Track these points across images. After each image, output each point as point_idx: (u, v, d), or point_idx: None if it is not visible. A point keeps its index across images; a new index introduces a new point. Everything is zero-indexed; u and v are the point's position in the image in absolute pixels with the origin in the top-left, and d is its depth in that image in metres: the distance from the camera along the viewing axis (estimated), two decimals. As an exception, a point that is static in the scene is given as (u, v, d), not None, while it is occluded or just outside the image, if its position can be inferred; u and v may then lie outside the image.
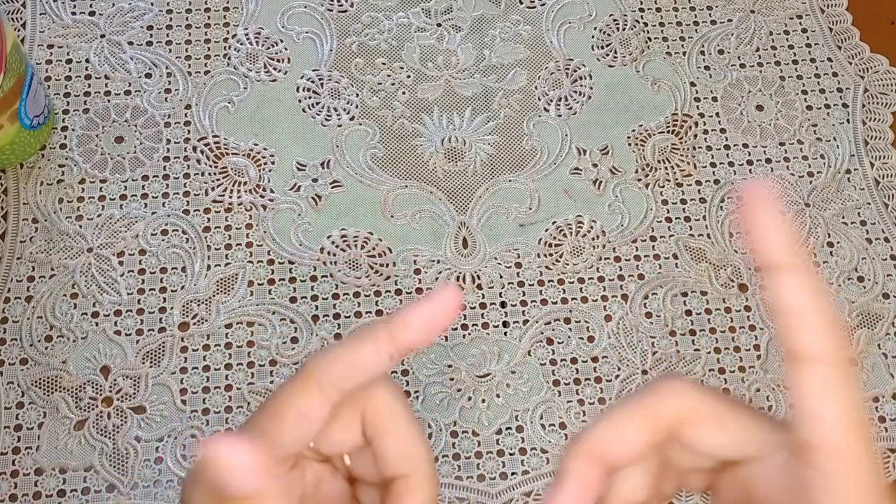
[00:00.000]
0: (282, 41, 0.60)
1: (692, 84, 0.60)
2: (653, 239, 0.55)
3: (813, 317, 0.25)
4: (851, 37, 0.62)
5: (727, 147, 0.58)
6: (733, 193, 0.25)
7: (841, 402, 0.25)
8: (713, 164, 0.58)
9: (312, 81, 0.59)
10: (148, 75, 0.58)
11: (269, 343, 0.51)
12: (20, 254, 0.52)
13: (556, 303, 0.53)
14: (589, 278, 0.54)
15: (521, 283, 0.53)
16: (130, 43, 0.59)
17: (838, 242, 0.56)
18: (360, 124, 0.57)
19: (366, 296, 0.52)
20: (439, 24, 0.61)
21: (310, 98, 0.58)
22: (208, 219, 0.54)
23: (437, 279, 0.53)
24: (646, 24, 0.62)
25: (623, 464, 0.28)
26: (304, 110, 0.58)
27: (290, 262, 0.53)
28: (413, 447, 0.29)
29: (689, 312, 0.53)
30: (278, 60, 0.59)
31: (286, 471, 0.28)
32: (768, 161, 0.58)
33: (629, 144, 0.58)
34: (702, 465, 0.29)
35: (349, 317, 0.52)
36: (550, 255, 0.54)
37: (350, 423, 0.29)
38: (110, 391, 0.49)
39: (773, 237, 0.26)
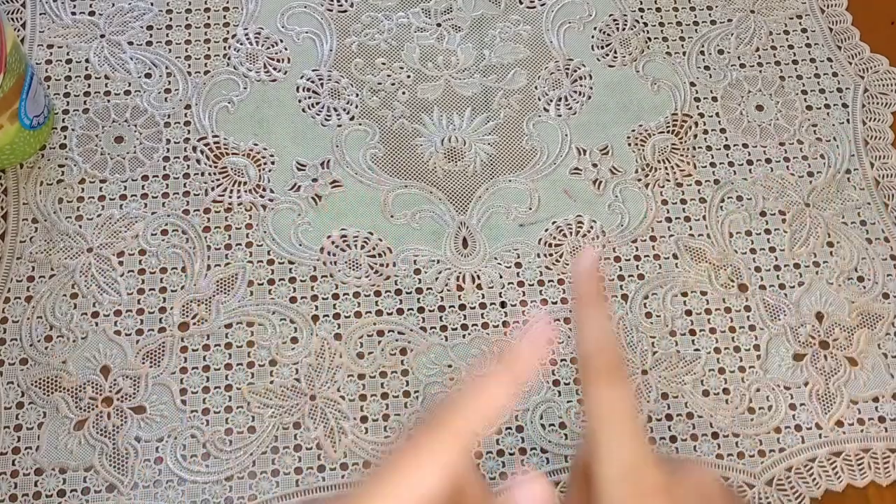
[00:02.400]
0: (282, 41, 0.60)
1: (692, 84, 0.60)
2: (653, 239, 0.55)
3: (584, 344, 0.30)
4: (851, 37, 0.62)
5: (727, 147, 0.58)
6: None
7: (593, 398, 0.30)
8: (713, 164, 0.58)
9: (312, 81, 0.59)
10: (148, 75, 0.58)
11: (269, 343, 0.51)
12: (20, 254, 0.52)
13: (556, 303, 0.53)
14: (589, 278, 0.54)
15: (521, 283, 0.53)
16: (130, 43, 0.59)
17: (838, 242, 0.56)
18: (360, 124, 0.57)
19: (366, 296, 0.52)
20: (439, 24, 0.61)
21: (310, 98, 0.58)
22: (208, 219, 0.54)
23: (436, 279, 0.53)
24: (646, 24, 0.62)
25: None
26: (304, 110, 0.58)
27: (290, 262, 0.53)
28: None
29: (689, 312, 0.53)
30: (278, 60, 0.59)
31: None
32: (768, 161, 0.58)
33: (629, 144, 0.58)
34: None
35: (349, 317, 0.52)
36: (550, 255, 0.54)
37: None
38: (110, 391, 0.49)
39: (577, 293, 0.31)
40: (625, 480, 0.29)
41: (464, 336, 0.52)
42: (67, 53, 0.58)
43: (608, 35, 0.62)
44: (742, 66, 0.61)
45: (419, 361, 0.51)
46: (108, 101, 0.57)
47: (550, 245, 0.55)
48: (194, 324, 0.51)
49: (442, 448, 0.27)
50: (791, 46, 0.62)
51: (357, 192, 0.55)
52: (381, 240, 0.54)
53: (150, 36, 0.59)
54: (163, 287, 0.52)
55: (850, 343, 0.53)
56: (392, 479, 0.26)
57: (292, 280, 0.52)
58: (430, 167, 0.56)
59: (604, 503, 0.29)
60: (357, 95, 0.58)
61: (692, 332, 0.53)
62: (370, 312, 0.52)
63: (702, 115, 0.59)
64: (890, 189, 0.58)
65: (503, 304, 0.53)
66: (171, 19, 0.60)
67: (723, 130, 0.59)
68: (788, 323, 0.53)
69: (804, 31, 0.63)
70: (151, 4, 0.60)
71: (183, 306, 0.51)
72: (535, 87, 0.59)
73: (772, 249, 0.55)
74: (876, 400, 0.51)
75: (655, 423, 0.50)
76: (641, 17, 0.62)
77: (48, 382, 0.49)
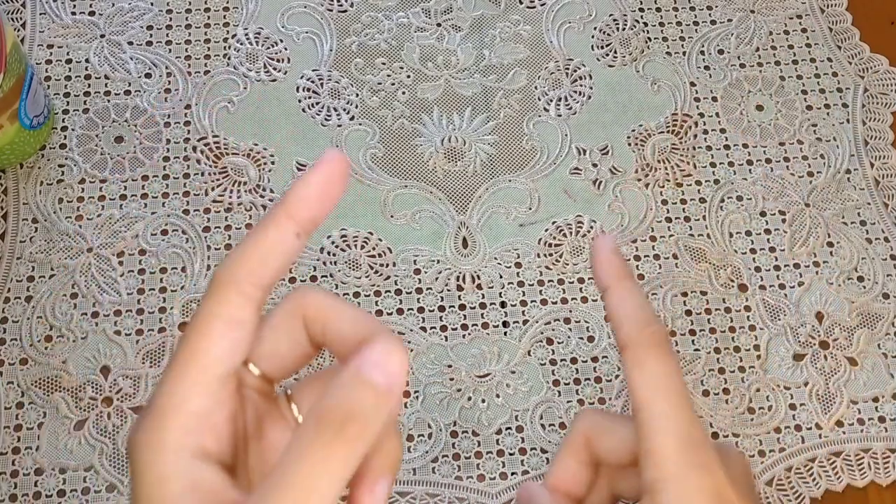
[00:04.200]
0: (282, 41, 0.60)
1: (692, 84, 0.60)
2: (653, 239, 0.55)
3: (622, 318, 0.30)
4: (851, 37, 0.62)
5: (727, 147, 0.58)
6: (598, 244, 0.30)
7: (643, 373, 0.30)
8: (713, 164, 0.58)
9: (312, 81, 0.59)
10: (148, 75, 0.58)
11: (269, 343, 0.51)
12: (20, 254, 0.52)
13: (555, 303, 0.53)
14: (589, 278, 0.54)
15: (521, 283, 0.53)
16: (130, 43, 0.59)
17: (838, 242, 0.56)
18: (360, 124, 0.57)
19: (366, 296, 0.52)
20: (439, 24, 0.61)
21: (310, 98, 0.58)
22: (208, 219, 0.54)
23: (436, 279, 0.53)
24: (646, 24, 0.62)
25: (576, 490, 0.33)
26: (304, 110, 0.58)
27: (290, 262, 0.53)
28: (367, 317, 0.27)
29: (689, 312, 0.53)
30: (278, 60, 0.59)
31: (229, 395, 0.26)
32: (768, 161, 0.58)
33: (629, 144, 0.58)
34: (632, 490, 0.33)
35: (349, 317, 0.52)
36: (550, 255, 0.54)
37: (293, 331, 0.27)
38: (110, 391, 0.49)
39: (606, 269, 0.31)
40: (686, 453, 0.28)
41: (464, 336, 0.52)
42: (67, 53, 0.58)
43: (608, 35, 0.62)
44: (742, 66, 0.61)
45: (419, 361, 0.51)
46: (108, 101, 0.57)
47: (550, 245, 0.55)
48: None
49: (214, 302, 0.25)
50: (791, 46, 0.62)
51: (357, 192, 0.55)
52: (381, 240, 0.54)
53: (150, 36, 0.59)
54: (163, 287, 0.52)
55: (850, 343, 0.53)
56: (180, 348, 0.25)
57: (292, 280, 0.52)
58: (430, 167, 0.56)
59: (661, 476, 0.29)
60: (357, 95, 0.58)
61: (692, 332, 0.53)
62: (370, 312, 0.52)
63: (702, 115, 0.59)
64: (890, 189, 0.58)
65: (503, 304, 0.53)
66: (171, 19, 0.60)
67: (723, 130, 0.59)
68: (788, 323, 0.53)
69: (804, 31, 0.63)
70: (151, 4, 0.60)
71: (183, 306, 0.51)
72: (535, 87, 0.59)
73: (772, 249, 0.55)
74: (876, 400, 0.51)
75: (655, 423, 0.50)
76: (641, 17, 0.62)
77: (48, 382, 0.49)
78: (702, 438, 0.29)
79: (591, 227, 0.55)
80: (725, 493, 0.29)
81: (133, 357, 0.50)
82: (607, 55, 0.61)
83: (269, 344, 0.27)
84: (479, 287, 0.53)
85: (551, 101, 0.59)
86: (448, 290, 0.53)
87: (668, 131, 0.58)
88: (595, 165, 0.57)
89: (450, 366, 0.51)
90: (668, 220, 0.56)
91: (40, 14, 0.59)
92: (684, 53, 0.61)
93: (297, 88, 0.58)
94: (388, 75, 0.59)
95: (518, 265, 0.54)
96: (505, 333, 0.52)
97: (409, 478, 0.48)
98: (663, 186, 0.57)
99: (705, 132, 0.59)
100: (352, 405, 0.23)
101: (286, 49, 0.59)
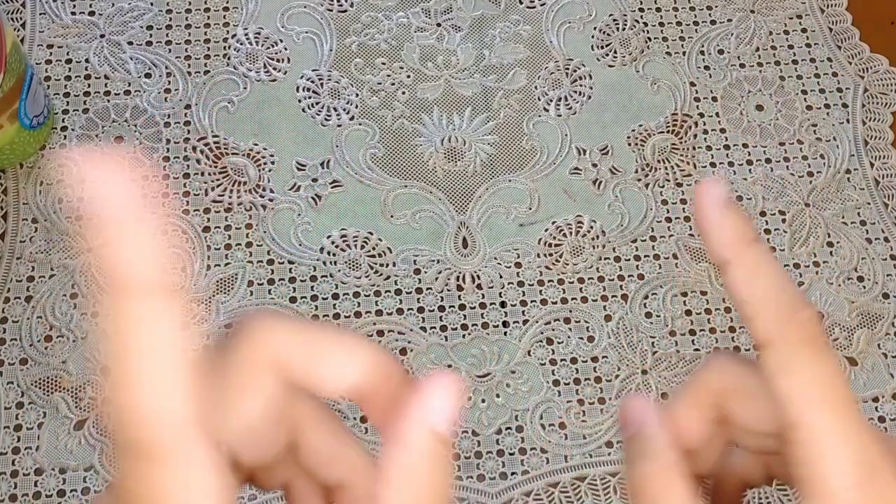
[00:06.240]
0: (281, 41, 0.60)
1: (692, 84, 0.60)
2: (653, 239, 0.55)
3: (758, 304, 0.23)
4: (851, 37, 0.62)
5: (727, 147, 0.58)
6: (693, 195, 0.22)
7: (796, 381, 0.22)
8: (713, 164, 0.58)
9: (312, 81, 0.59)
10: (148, 75, 0.58)
11: (268, 343, 0.51)
12: (20, 254, 0.52)
13: (555, 303, 0.53)
14: (589, 278, 0.54)
15: (521, 283, 0.53)
16: (130, 43, 0.59)
17: (838, 242, 0.56)
18: (360, 124, 0.57)
19: (366, 296, 0.52)
20: (439, 24, 0.61)
21: (310, 98, 0.58)
22: (208, 219, 0.54)
23: (436, 279, 0.53)
24: (646, 24, 0.62)
25: (690, 442, 0.27)
26: (303, 110, 0.58)
27: (290, 262, 0.53)
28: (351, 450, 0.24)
29: (689, 312, 0.53)
30: (278, 60, 0.59)
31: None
32: (768, 161, 0.58)
33: (629, 144, 0.58)
34: (757, 444, 0.27)
35: (349, 317, 0.52)
36: (550, 255, 0.54)
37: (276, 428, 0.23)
38: (110, 391, 0.49)
39: (719, 235, 0.24)
40: (866, 485, 0.21)
41: (464, 336, 0.52)
42: (67, 53, 0.58)
43: (608, 35, 0.62)
44: (742, 66, 0.61)
45: (419, 361, 0.51)
46: (108, 101, 0.57)
47: (550, 245, 0.55)
48: (194, 324, 0.51)
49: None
50: (791, 46, 0.62)
51: (357, 192, 0.55)
52: (381, 240, 0.54)
53: (150, 36, 0.59)
54: (163, 287, 0.52)
55: (850, 343, 0.53)
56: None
57: (292, 280, 0.53)
58: (430, 167, 0.56)
59: None
60: (357, 95, 0.58)
61: (692, 332, 0.53)
62: (370, 312, 0.52)
63: (702, 115, 0.59)
64: (890, 189, 0.58)
65: (503, 304, 0.53)
66: (171, 19, 0.60)
67: (723, 130, 0.59)
68: (788, 323, 0.53)
69: (804, 31, 0.63)
70: (151, 4, 0.60)
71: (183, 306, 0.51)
72: (535, 87, 0.59)
73: (772, 249, 0.55)
74: (876, 400, 0.51)
75: (655, 423, 0.50)
76: (641, 17, 0.62)
77: (48, 382, 0.49)
78: (880, 464, 0.22)
79: (591, 227, 0.55)
80: None
81: (133, 357, 0.50)
82: (607, 55, 0.61)
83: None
84: (479, 287, 0.53)
85: (551, 101, 0.59)
86: (448, 290, 0.53)
87: (668, 131, 0.58)
88: (595, 165, 0.57)
89: (450, 366, 0.51)
90: (668, 220, 0.56)
91: (40, 14, 0.59)
92: (684, 53, 0.61)
93: (297, 88, 0.58)
94: (388, 75, 0.59)
95: (518, 265, 0.54)
96: (505, 333, 0.52)
97: (409, 478, 0.48)
98: (663, 186, 0.57)
99: (705, 132, 0.59)
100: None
101: (286, 49, 0.59)
